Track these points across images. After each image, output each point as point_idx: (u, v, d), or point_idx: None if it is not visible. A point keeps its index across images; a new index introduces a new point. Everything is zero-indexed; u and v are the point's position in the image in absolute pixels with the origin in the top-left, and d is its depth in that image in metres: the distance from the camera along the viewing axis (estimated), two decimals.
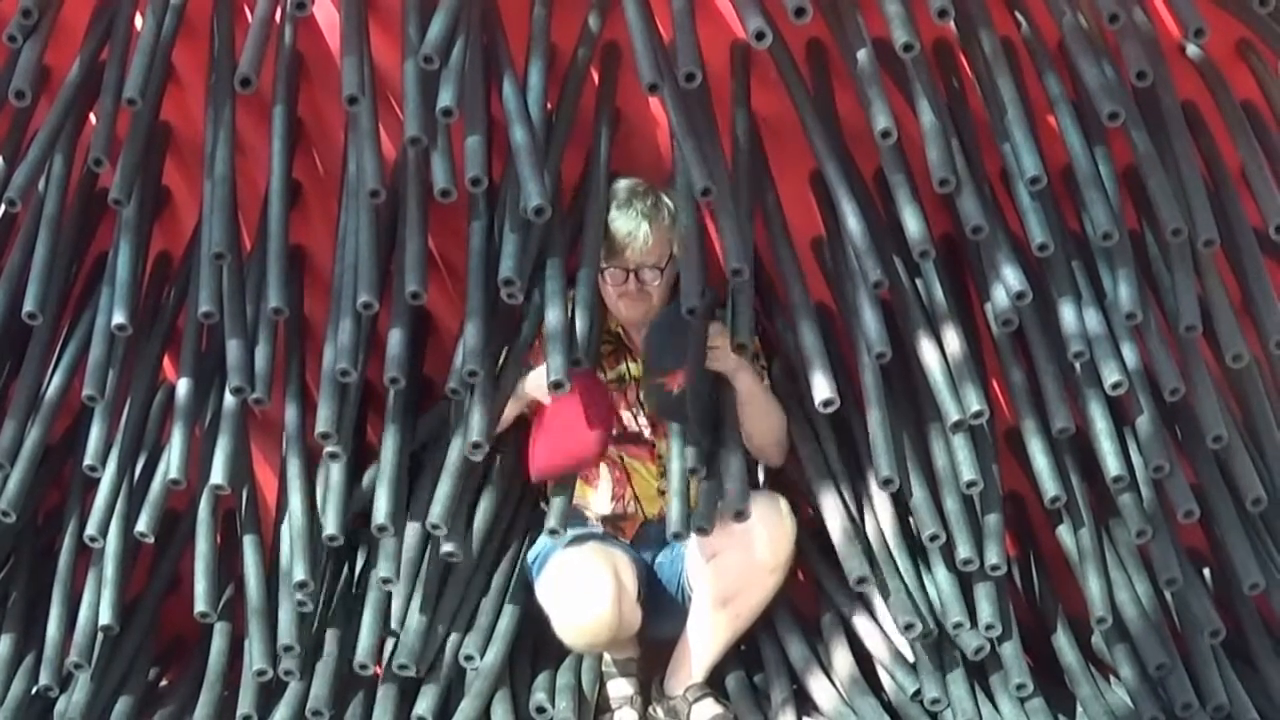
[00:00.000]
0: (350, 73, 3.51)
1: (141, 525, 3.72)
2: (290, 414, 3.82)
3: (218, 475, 3.67)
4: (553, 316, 3.53)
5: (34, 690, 3.83)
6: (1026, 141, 3.51)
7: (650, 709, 3.86)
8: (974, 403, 3.55)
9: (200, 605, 3.75)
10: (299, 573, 3.69)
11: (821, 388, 3.54)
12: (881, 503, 3.75)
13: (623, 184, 3.79)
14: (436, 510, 3.60)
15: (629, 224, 3.75)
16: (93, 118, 3.78)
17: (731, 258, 3.52)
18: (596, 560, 3.80)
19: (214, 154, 3.66)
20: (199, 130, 3.78)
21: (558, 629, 3.78)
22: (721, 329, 3.71)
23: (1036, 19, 3.73)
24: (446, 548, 3.64)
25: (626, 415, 3.91)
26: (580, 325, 3.57)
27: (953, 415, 3.55)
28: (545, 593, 3.82)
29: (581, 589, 3.75)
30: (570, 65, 3.79)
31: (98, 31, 3.77)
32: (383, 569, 3.66)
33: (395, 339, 3.59)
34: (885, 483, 3.59)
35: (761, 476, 3.96)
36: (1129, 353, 3.57)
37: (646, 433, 3.91)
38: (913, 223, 3.51)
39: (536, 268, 3.60)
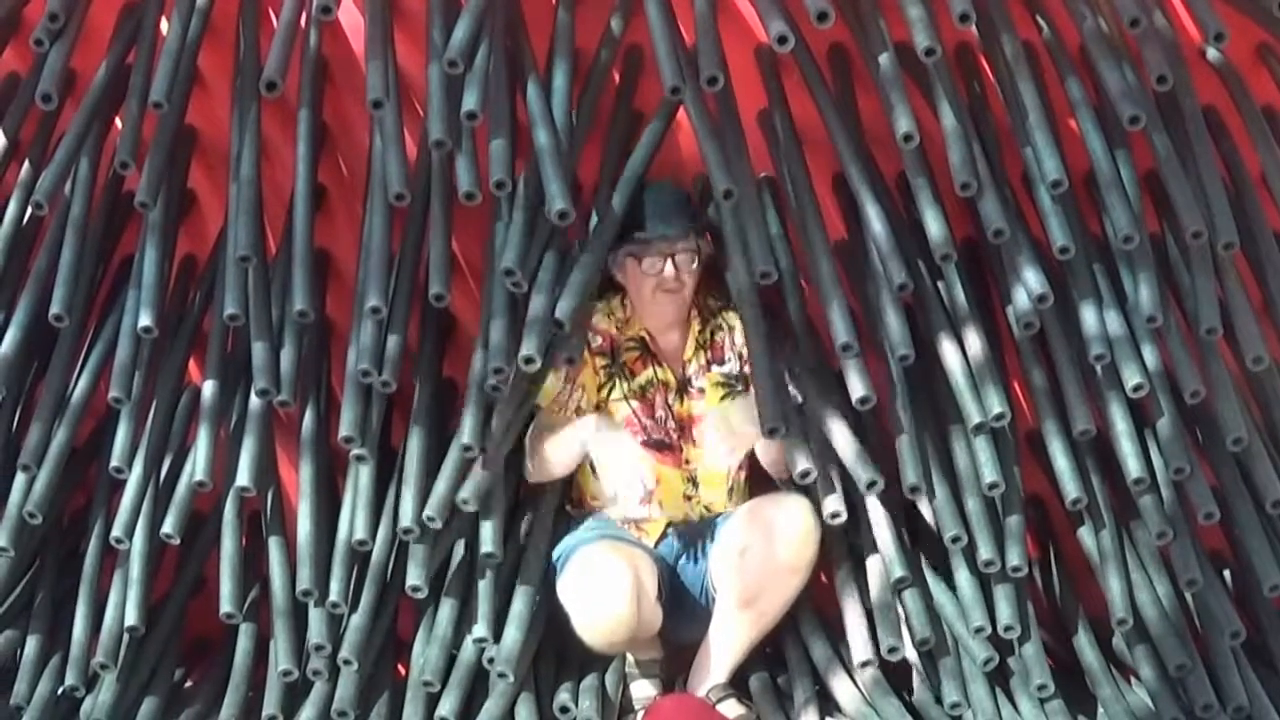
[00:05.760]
0: (375, 76, 3.53)
1: (167, 527, 3.74)
2: (307, 418, 3.84)
3: (243, 477, 3.69)
4: (539, 301, 3.53)
5: (60, 691, 3.84)
6: (1048, 145, 3.53)
7: None
8: (995, 405, 3.57)
9: (226, 606, 3.76)
10: (303, 580, 3.72)
11: (856, 386, 3.56)
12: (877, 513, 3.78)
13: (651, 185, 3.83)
14: (433, 502, 3.62)
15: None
16: (119, 121, 3.81)
17: (759, 261, 3.56)
18: (617, 559, 3.81)
19: (239, 157, 3.68)
20: (224, 133, 3.81)
21: (577, 627, 3.79)
22: None
23: (1058, 23, 3.75)
24: (486, 548, 3.66)
25: (652, 422, 3.93)
26: (565, 303, 3.54)
27: (974, 417, 3.57)
28: (565, 591, 3.83)
29: (601, 587, 3.76)
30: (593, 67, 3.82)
31: (124, 35, 3.79)
32: (413, 576, 3.68)
33: (394, 342, 3.64)
34: (912, 490, 3.61)
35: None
36: (1150, 355, 3.58)
37: (675, 438, 3.93)
38: (935, 226, 3.53)
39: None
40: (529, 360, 3.48)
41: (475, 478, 3.63)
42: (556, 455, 3.88)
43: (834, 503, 3.69)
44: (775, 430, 3.59)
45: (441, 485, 3.64)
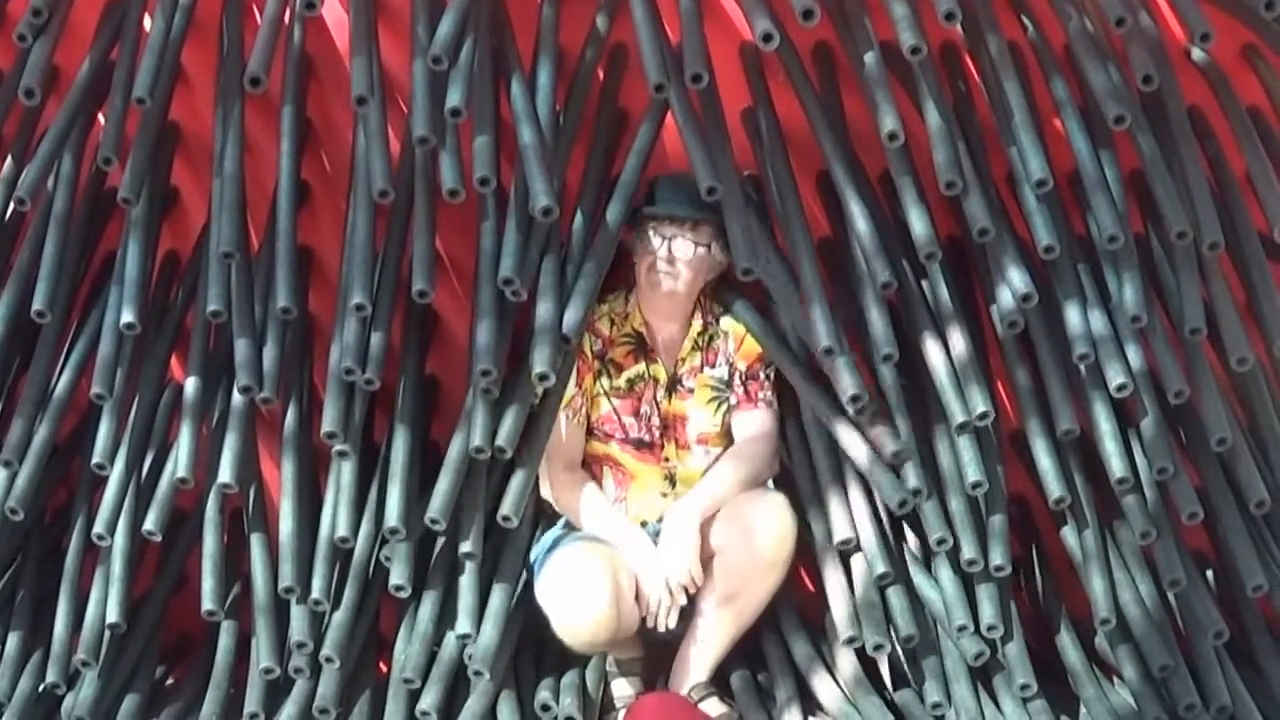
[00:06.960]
0: (359, 73, 3.52)
1: (149, 524, 3.73)
2: (289, 415, 3.83)
3: (225, 474, 3.68)
4: (545, 309, 3.55)
5: (41, 688, 3.84)
6: (1033, 144, 3.53)
7: None
8: (979, 404, 3.57)
9: (207, 603, 3.75)
10: (285, 578, 3.71)
11: (847, 385, 3.56)
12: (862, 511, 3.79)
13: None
14: (435, 504, 3.61)
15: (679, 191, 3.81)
16: (102, 117, 3.80)
17: (741, 258, 3.55)
18: (595, 560, 3.80)
19: (223, 153, 3.67)
20: (208, 130, 3.79)
21: (557, 629, 3.78)
22: None
23: (1043, 23, 3.75)
24: (464, 548, 3.65)
25: (634, 420, 3.92)
26: (572, 314, 3.57)
27: (958, 417, 3.57)
28: (544, 593, 3.82)
29: (580, 589, 3.75)
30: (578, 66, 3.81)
31: (107, 31, 3.78)
32: (396, 575, 3.67)
33: (377, 340, 3.63)
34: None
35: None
36: (1134, 355, 3.59)
37: (657, 435, 3.93)
38: (919, 225, 3.52)
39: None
40: (543, 377, 3.49)
41: (514, 490, 3.63)
42: (587, 524, 3.89)
43: (844, 529, 3.70)
44: (857, 398, 3.58)
45: (444, 485, 3.63)
